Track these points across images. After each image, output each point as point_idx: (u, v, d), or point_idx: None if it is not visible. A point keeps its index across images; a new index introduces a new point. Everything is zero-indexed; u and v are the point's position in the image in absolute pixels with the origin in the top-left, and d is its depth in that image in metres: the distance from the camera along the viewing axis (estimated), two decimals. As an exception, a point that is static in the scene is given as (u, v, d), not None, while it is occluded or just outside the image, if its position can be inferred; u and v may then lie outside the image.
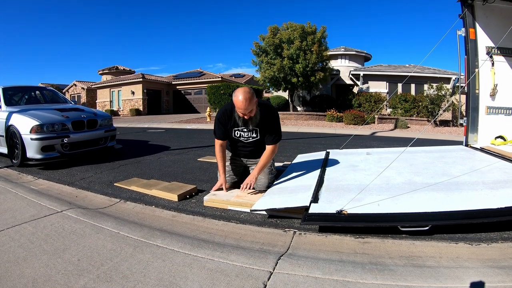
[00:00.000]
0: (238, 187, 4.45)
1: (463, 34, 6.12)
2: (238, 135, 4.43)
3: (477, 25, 6.05)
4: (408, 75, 23.70)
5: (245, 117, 4.07)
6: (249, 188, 4.21)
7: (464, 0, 6.00)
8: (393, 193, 3.51)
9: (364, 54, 31.99)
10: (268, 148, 4.34)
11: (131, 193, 4.73)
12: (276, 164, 5.93)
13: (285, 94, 28.73)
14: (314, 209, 3.29)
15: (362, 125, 18.98)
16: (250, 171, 4.63)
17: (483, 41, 6.08)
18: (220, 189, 4.41)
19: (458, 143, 6.95)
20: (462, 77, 6.47)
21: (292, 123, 20.44)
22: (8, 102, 7.88)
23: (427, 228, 2.95)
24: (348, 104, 25.29)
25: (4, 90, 8.16)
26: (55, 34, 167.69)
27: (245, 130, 4.37)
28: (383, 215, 3.10)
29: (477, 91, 6.16)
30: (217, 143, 4.42)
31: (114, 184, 5.18)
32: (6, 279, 2.36)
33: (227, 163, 4.65)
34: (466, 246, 2.80)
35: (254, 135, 4.40)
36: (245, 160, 4.72)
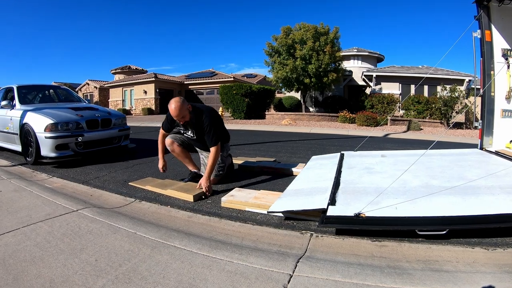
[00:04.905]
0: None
1: (479, 36, 6.00)
2: (182, 132, 5.13)
3: (492, 27, 5.93)
4: (420, 76, 23.66)
5: (180, 121, 4.72)
6: (209, 190, 4.59)
7: (479, 1, 5.88)
8: (410, 197, 3.46)
9: (377, 55, 31.82)
10: (211, 150, 4.76)
11: (146, 192, 4.72)
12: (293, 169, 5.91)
13: (297, 95, 28.64)
14: (332, 211, 3.27)
15: (375, 126, 18.86)
16: (200, 155, 5.33)
17: (499, 43, 5.97)
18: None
19: (472, 146, 6.86)
20: (477, 79, 6.37)
21: (304, 124, 20.35)
22: (22, 101, 7.95)
23: (444, 232, 2.92)
24: (360, 105, 25.14)
25: (19, 88, 8.23)
26: (68, 32, 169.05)
27: (184, 130, 5.07)
28: (401, 218, 3.07)
29: (492, 94, 6.05)
30: (161, 132, 5.16)
31: (129, 183, 5.18)
32: (23, 278, 2.34)
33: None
34: (482, 251, 2.78)
35: (191, 134, 5.03)
36: (195, 145, 5.27)
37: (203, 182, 4.60)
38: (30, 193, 4.57)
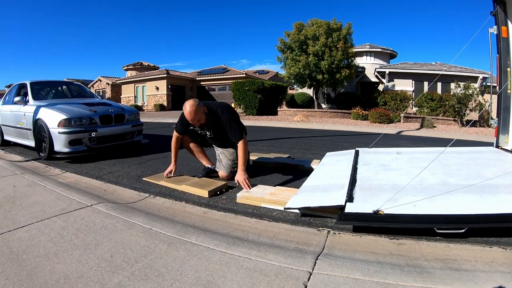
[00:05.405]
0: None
1: (495, 32, 5.86)
2: (199, 131, 5.02)
3: (509, 23, 5.77)
4: (434, 73, 23.37)
5: (196, 124, 4.61)
6: (248, 182, 4.44)
7: (496, -3, 5.75)
8: (428, 194, 3.39)
9: (389, 51, 31.58)
10: (239, 145, 4.67)
11: (160, 188, 4.69)
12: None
13: (310, 91, 28.56)
14: (350, 208, 3.21)
15: (388, 123, 18.73)
16: (216, 151, 5.28)
17: (516, 39, 5.84)
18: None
19: (486, 144, 6.78)
20: (493, 76, 6.24)
21: (317, 121, 20.25)
22: (35, 96, 8.01)
23: (463, 230, 2.87)
24: (373, 102, 24.97)
25: (32, 84, 8.30)
26: (80, 30, 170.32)
27: (200, 130, 4.96)
28: (420, 216, 3.01)
29: (509, 91, 5.90)
30: (175, 135, 5.03)
31: (143, 178, 5.16)
32: (37, 274, 2.30)
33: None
34: (500, 251, 2.72)
35: (208, 133, 4.97)
36: (212, 142, 5.24)
37: (239, 178, 4.48)
38: (44, 188, 4.55)
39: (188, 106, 4.37)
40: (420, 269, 2.41)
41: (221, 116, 4.65)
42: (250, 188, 4.32)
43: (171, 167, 5.06)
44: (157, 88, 35.82)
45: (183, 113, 4.59)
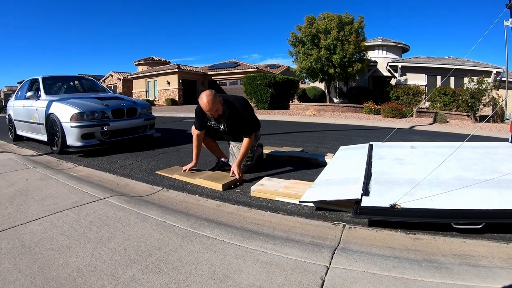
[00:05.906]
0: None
1: (511, 25, 5.76)
2: (213, 125, 4.97)
3: (526, 15, 5.68)
4: (447, 67, 23.09)
5: (213, 115, 4.58)
6: (238, 174, 4.62)
7: (511, -11, 5.62)
8: (444, 189, 3.32)
9: (402, 45, 31.29)
10: (244, 140, 4.75)
11: (172, 181, 4.68)
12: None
13: (321, 85, 28.45)
14: (366, 202, 3.16)
15: (400, 118, 18.57)
16: (229, 145, 5.24)
17: (532, 32, 5.72)
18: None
19: (500, 139, 6.67)
20: (506, 70, 6.11)
21: (329, 115, 20.13)
22: (48, 91, 8.06)
23: (480, 226, 2.82)
24: (385, 97, 24.76)
25: (44, 79, 8.35)
26: (92, 26, 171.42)
27: (215, 123, 4.93)
28: (438, 210, 2.95)
29: (525, 86, 5.79)
30: (195, 132, 4.97)
31: (155, 172, 5.15)
32: (49, 267, 2.28)
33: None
34: None
35: (222, 127, 4.92)
36: (225, 136, 5.21)
37: (234, 169, 4.63)
38: (57, 182, 4.54)
39: (205, 97, 4.35)
40: (438, 264, 2.38)
41: (239, 109, 4.65)
42: (240, 178, 4.59)
43: (191, 164, 5.02)
44: (169, 83, 35.89)
45: (197, 108, 4.62)
